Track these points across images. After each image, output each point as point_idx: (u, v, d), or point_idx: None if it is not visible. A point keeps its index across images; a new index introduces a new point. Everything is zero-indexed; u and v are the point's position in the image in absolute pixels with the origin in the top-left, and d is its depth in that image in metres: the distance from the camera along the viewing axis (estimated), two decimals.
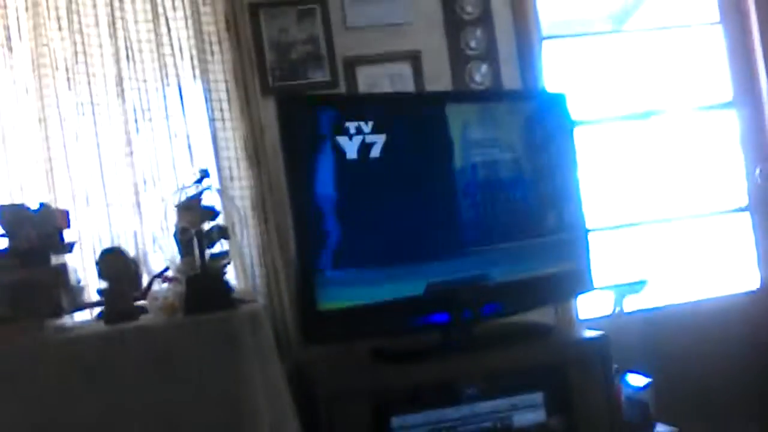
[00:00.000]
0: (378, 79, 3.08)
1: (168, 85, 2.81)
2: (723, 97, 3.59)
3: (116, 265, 2.42)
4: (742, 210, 3.58)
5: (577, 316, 3.21)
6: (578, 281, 2.98)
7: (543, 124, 2.94)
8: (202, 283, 2.34)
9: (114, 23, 2.78)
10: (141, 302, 2.41)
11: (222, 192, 2.74)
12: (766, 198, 3.51)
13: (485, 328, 2.79)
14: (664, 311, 3.39)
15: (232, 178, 2.84)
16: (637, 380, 2.90)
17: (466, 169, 2.74)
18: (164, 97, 2.81)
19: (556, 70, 3.37)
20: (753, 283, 3.54)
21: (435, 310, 2.69)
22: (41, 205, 2.36)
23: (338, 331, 2.58)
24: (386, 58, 3.10)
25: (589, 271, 2.97)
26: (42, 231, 2.26)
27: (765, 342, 3.44)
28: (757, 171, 3.46)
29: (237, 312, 2.29)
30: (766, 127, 3.49)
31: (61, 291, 2.26)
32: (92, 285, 2.56)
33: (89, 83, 2.76)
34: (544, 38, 3.31)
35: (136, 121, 2.78)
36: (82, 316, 2.52)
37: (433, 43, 3.16)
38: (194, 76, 2.84)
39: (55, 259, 2.34)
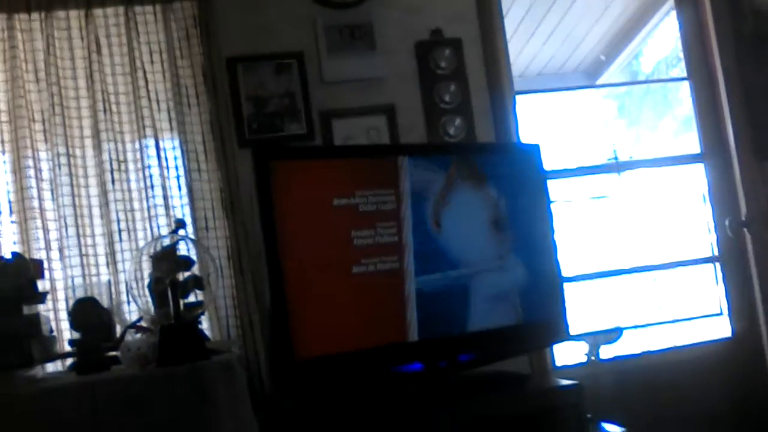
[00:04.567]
0: (353, 132, 3.12)
1: (145, 136, 2.83)
2: (692, 150, 3.66)
3: (89, 315, 2.41)
4: (713, 261, 3.63)
5: (552, 364, 3.21)
6: (553, 330, 3.00)
7: (517, 176, 2.97)
8: (175, 334, 2.33)
9: (91, 75, 2.81)
10: (114, 353, 2.40)
11: (197, 242, 2.74)
12: (736, 249, 3.55)
13: (461, 378, 2.79)
14: (639, 359, 3.40)
15: (207, 229, 2.85)
16: (611, 429, 2.89)
17: (443, 218, 2.77)
18: (141, 148, 2.83)
19: (530, 124, 3.43)
20: (725, 332, 3.57)
21: (410, 359, 2.69)
22: (14, 254, 2.36)
23: (313, 381, 2.56)
24: (362, 112, 3.15)
25: (565, 320, 2.99)
26: (14, 281, 2.26)
27: (738, 390, 3.45)
28: (727, 223, 3.52)
29: (210, 363, 2.28)
30: (734, 180, 3.55)
31: (32, 341, 2.25)
32: (65, 335, 2.55)
33: (66, 135, 2.77)
34: (518, 93, 3.37)
35: (111, 171, 2.79)
36: (53, 367, 2.50)
37: (408, 96, 3.21)
38: (171, 128, 2.87)
39: (27, 310, 2.33)
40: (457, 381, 2.76)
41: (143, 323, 2.47)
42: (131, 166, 2.83)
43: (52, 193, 2.75)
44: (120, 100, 2.84)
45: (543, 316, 2.95)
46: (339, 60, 3.14)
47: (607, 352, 3.22)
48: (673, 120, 3.74)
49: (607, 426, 2.89)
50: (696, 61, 3.65)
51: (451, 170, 2.82)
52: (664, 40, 3.79)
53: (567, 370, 3.14)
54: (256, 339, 2.81)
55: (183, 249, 2.57)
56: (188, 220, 2.81)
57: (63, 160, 2.76)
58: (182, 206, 2.85)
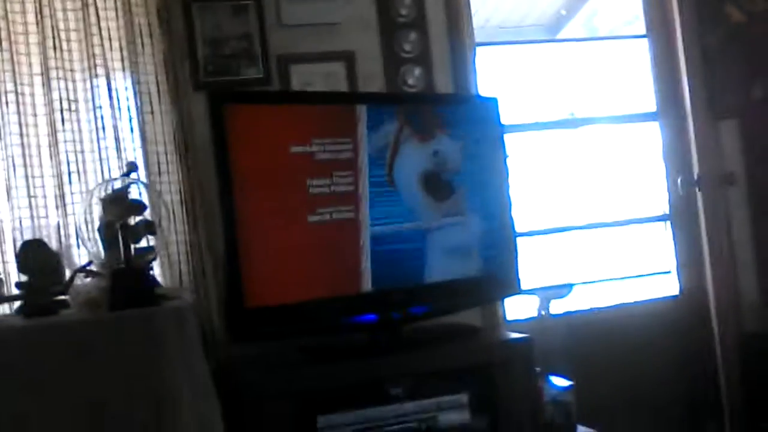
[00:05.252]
0: (311, 78, 3.07)
1: (96, 75, 2.75)
2: (648, 108, 3.69)
3: (38, 258, 2.36)
4: (664, 218, 3.67)
5: (504, 318, 3.24)
6: (505, 284, 3.03)
7: (475, 128, 2.96)
8: (126, 279, 2.29)
9: (41, 10, 2.70)
10: (62, 297, 2.35)
11: (149, 186, 2.69)
12: (686, 207, 3.60)
13: (413, 329, 2.80)
14: (587, 315, 3.45)
15: (160, 173, 2.79)
16: (560, 382, 2.95)
17: (397, 170, 2.75)
18: (92, 87, 2.74)
19: (489, 76, 3.41)
20: (673, 289, 3.63)
21: (364, 309, 2.69)
22: None
23: (265, 329, 2.56)
24: (320, 57, 3.09)
25: (517, 274, 3.02)
26: None
27: (684, 346, 3.53)
28: (679, 181, 3.56)
29: (162, 308, 2.25)
30: (687, 139, 3.58)
31: None
32: (12, 278, 2.49)
33: (14, 71, 2.67)
34: (478, 44, 3.34)
35: (62, 111, 2.70)
36: (0, 310, 2.44)
37: (368, 44, 3.16)
38: (123, 67, 2.79)
39: None
40: (409, 332, 2.77)
41: (93, 267, 2.43)
42: (82, 106, 2.74)
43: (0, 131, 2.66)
44: (71, 37, 2.74)
45: (496, 270, 2.97)
46: (298, 3, 3.07)
47: (557, 307, 3.26)
48: (631, 77, 3.75)
49: (556, 378, 2.94)
50: (655, 19, 3.66)
51: (402, 120, 2.79)
52: None
53: (518, 324, 3.18)
54: (209, 286, 2.78)
55: (135, 193, 2.52)
56: (140, 163, 2.74)
57: (11, 98, 2.66)
58: (134, 149, 2.78)
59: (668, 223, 3.66)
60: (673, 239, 3.64)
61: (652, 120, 3.67)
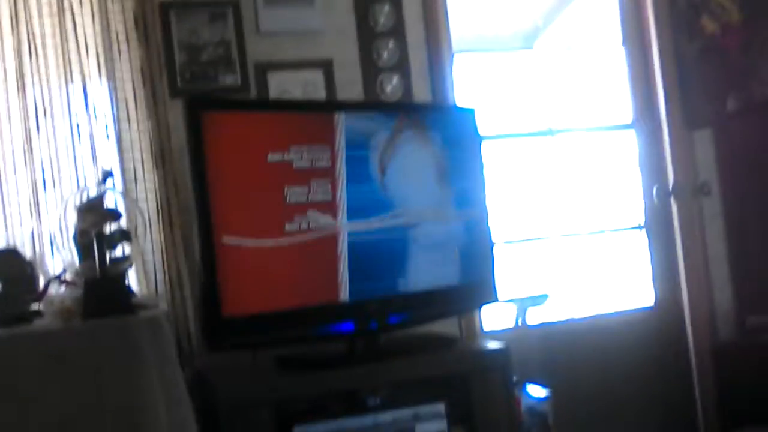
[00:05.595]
0: (289, 86, 3.06)
1: (72, 82, 2.72)
2: (624, 118, 3.71)
3: (11, 266, 2.32)
4: (639, 228, 3.70)
5: (481, 327, 3.25)
6: (482, 293, 3.03)
7: (452, 138, 2.97)
8: (101, 288, 2.27)
9: (17, 15, 2.67)
10: (36, 306, 2.32)
11: (125, 194, 2.67)
12: (662, 217, 3.63)
13: (390, 338, 2.80)
14: (564, 325, 3.47)
15: (136, 180, 2.77)
16: (537, 391, 2.95)
17: (374, 179, 2.75)
18: (67, 94, 2.72)
19: (466, 85, 3.42)
20: (648, 299, 3.66)
21: (341, 319, 2.69)
22: None
23: (242, 338, 2.54)
24: (298, 65, 3.08)
25: (494, 283, 3.02)
26: None
27: (659, 356, 3.56)
28: (654, 191, 3.58)
29: (136, 317, 2.23)
30: (663, 149, 3.61)
31: None
32: None
33: None
34: (456, 53, 3.35)
35: (36, 117, 2.68)
36: None
37: (346, 52, 3.16)
38: (100, 74, 2.76)
39: None
40: (386, 342, 2.76)
41: (67, 276, 2.40)
42: (57, 112, 2.71)
43: None
44: (47, 42, 2.71)
45: (473, 279, 2.97)
46: (276, 10, 3.07)
47: (533, 316, 3.27)
48: (606, 87, 3.77)
49: (533, 388, 2.95)
50: (631, 28, 3.69)
51: (380, 129, 2.79)
52: (599, 7, 3.81)
53: (495, 334, 3.18)
54: (185, 295, 2.76)
55: (110, 200, 2.50)
56: (116, 171, 2.72)
57: None
58: (110, 156, 2.76)
59: (644, 231, 3.68)
60: (649, 249, 3.66)
61: (628, 129, 3.70)
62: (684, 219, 3.57)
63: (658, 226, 3.65)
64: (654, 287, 3.65)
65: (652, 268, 3.66)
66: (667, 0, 3.60)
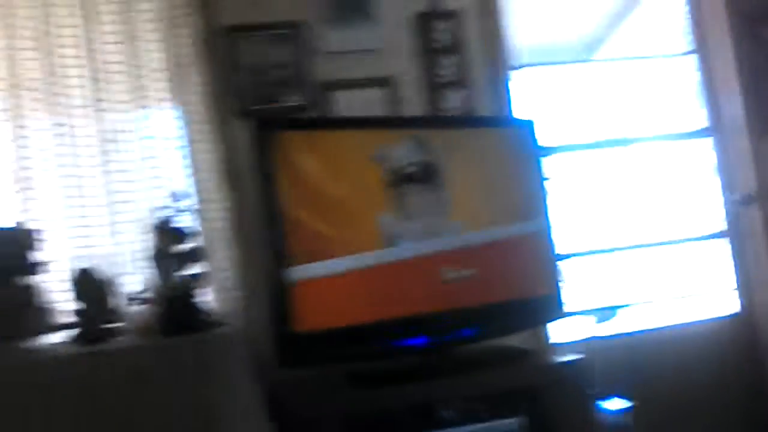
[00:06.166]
0: (353, 104, 3.08)
1: (143, 106, 2.79)
2: (695, 125, 3.63)
3: (90, 286, 2.39)
4: (721, 236, 3.60)
5: (550, 341, 3.20)
6: (553, 307, 2.98)
7: (513, 151, 2.95)
8: (176, 305, 2.32)
9: (90, 44, 2.76)
10: (115, 324, 2.38)
11: (198, 213, 2.71)
12: (743, 224, 3.53)
13: (463, 352, 2.77)
14: (645, 336, 3.38)
15: (208, 200, 2.81)
16: (618, 404, 2.88)
17: (440, 192, 2.75)
18: (139, 118, 2.79)
19: (530, 98, 3.39)
20: (733, 307, 3.55)
21: (413, 333, 2.67)
22: (11, 225, 2.33)
23: (315, 354, 2.55)
24: (361, 83, 3.11)
25: (559, 297, 2.97)
26: (7, 251, 2.23)
27: (744, 366, 3.44)
28: (735, 197, 3.49)
29: (211, 335, 2.26)
30: (742, 155, 3.51)
31: (27, 312, 2.23)
32: (67, 306, 2.52)
33: (63, 104, 2.72)
34: (516, 67, 3.33)
35: (110, 142, 2.75)
36: (53, 338, 2.47)
37: (407, 69, 3.18)
38: (169, 98, 2.82)
39: (23, 280, 2.30)
40: (459, 355, 2.74)
41: (144, 295, 2.45)
42: (129, 137, 2.78)
43: (52, 164, 2.70)
44: (118, 69, 2.79)
45: (542, 293, 2.93)
46: (338, 31, 3.10)
47: (612, 328, 3.21)
48: (678, 94, 3.70)
49: (613, 400, 2.88)
50: (702, 33, 3.62)
51: (444, 144, 2.78)
52: (666, 13, 3.75)
53: (570, 345, 3.13)
54: (258, 311, 2.78)
55: (184, 220, 2.55)
56: (189, 192, 2.77)
57: (64, 129, 2.71)
58: (182, 177, 2.81)
59: (726, 240, 3.58)
60: (732, 257, 3.56)
61: (705, 136, 3.62)
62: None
63: (740, 233, 3.54)
64: (739, 295, 3.54)
65: (737, 276, 3.55)
66: (736, 8, 3.52)
